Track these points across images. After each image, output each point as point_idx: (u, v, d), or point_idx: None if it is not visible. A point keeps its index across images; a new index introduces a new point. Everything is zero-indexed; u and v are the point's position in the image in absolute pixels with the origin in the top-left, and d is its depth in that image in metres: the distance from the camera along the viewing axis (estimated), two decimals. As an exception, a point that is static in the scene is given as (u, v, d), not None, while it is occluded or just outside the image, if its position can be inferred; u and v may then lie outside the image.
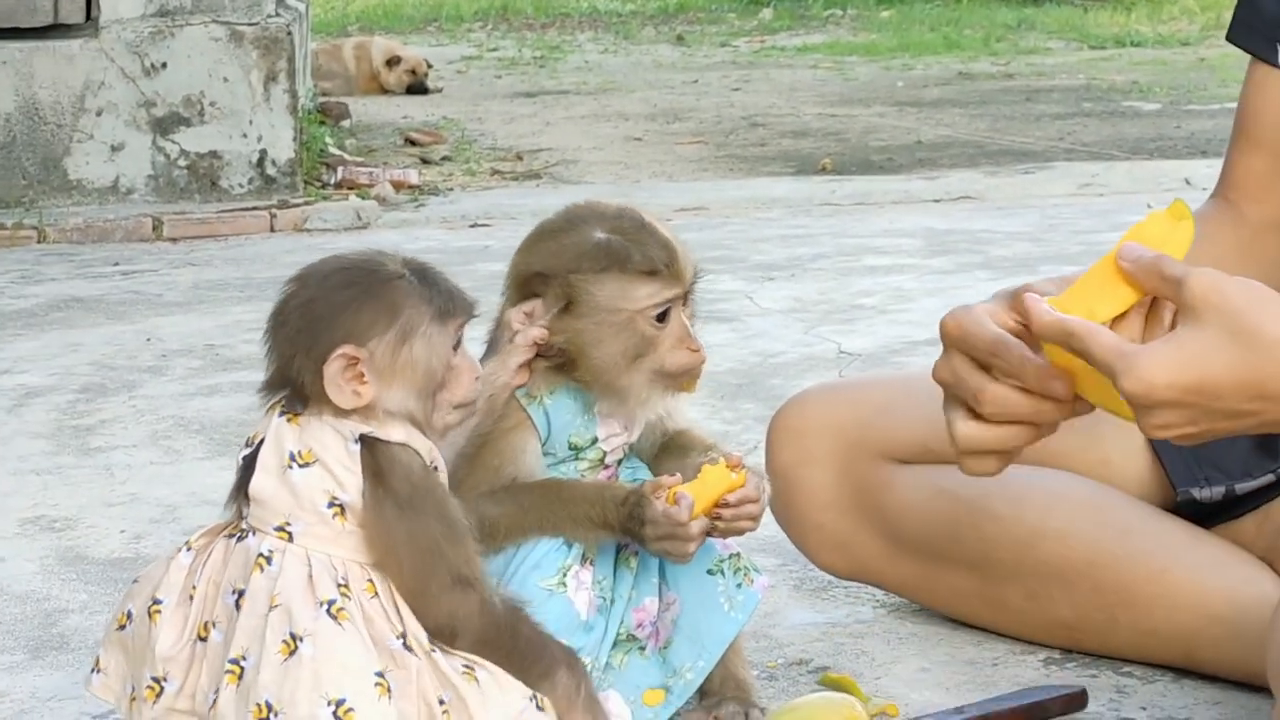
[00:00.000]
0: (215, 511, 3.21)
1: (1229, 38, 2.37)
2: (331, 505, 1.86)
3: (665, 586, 2.24)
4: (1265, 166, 2.35)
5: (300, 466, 1.88)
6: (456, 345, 1.94)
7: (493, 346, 2.19)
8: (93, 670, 1.96)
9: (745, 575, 2.24)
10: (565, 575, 2.17)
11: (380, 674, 1.82)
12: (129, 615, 1.93)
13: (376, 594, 1.86)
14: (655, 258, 2.15)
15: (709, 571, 2.23)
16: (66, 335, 4.79)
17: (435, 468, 1.92)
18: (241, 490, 1.91)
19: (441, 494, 1.90)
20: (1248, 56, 2.37)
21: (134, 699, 1.92)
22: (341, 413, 1.89)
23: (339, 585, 1.84)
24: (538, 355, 2.16)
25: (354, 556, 1.86)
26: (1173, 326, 1.78)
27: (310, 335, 1.89)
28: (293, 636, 1.81)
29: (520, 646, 1.91)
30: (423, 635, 1.86)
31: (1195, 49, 12.30)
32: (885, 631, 2.60)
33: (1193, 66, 11.25)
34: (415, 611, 1.86)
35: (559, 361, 2.16)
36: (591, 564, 2.19)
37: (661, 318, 2.15)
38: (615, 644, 2.22)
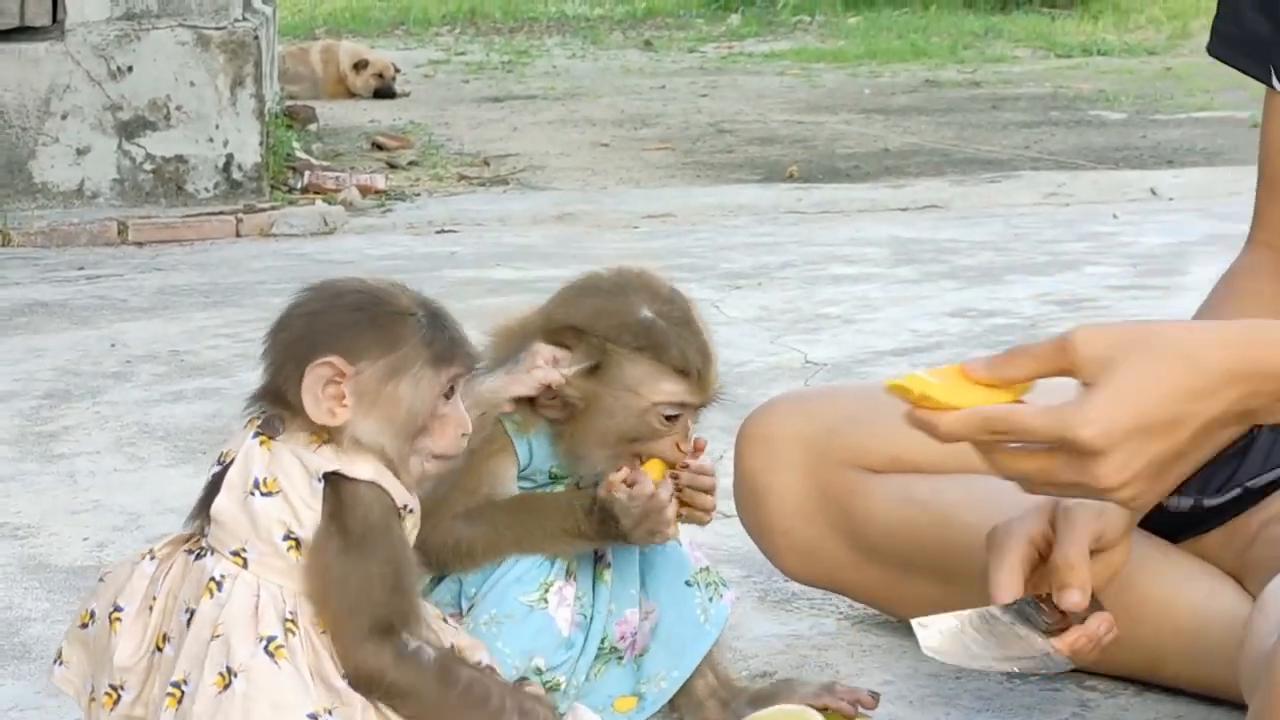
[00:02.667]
0: (179, 520, 3.19)
1: (1211, 52, 2.36)
2: (287, 539, 1.87)
3: (644, 596, 2.24)
4: None
5: (263, 495, 1.88)
6: (449, 394, 1.93)
7: (501, 363, 2.17)
8: (55, 661, 1.97)
9: (715, 589, 2.25)
10: (547, 591, 2.17)
11: (313, 716, 1.82)
12: (92, 615, 1.94)
13: (326, 629, 1.86)
14: (691, 360, 2.14)
15: (687, 583, 2.24)
16: (30, 340, 4.77)
17: (409, 509, 1.92)
18: (206, 507, 1.91)
19: (396, 540, 1.89)
20: (1215, 65, 2.36)
21: (93, 700, 1.93)
22: (313, 438, 1.88)
23: (286, 619, 1.84)
24: (537, 398, 2.14)
25: (304, 590, 1.87)
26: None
27: (305, 344, 1.89)
28: (229, 670, 1.82)
29: (453, 701, 1.89)
30: None
31: (1162, 58, 12.33)
32: (849, 644, 2.60)
33: (1159, 76, 11.27)
34: (341, 660, 1.85)
35: (553, 412, 2.15)
36: (574, 580, 2.19)
37: (672, 418, 2.15)
38: (596, 656, 2.23)
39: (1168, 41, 13.32)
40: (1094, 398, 1.80)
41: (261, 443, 1.90)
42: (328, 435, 1.89)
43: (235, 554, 1.87)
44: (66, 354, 4.59)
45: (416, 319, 1.92)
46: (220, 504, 1.89)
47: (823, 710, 2.23)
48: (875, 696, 2.28)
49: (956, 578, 2.42)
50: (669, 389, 2.14)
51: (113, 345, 4.68)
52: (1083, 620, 2.12)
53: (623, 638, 2.23)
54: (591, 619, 2.21)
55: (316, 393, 1.87)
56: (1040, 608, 2.13)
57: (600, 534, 2.16)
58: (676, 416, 2.16)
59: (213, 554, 1.89)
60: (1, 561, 3.05)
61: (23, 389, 4.24)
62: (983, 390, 1.87)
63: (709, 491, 2.21)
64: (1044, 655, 2.10)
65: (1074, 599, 2.10)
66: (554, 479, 2.21)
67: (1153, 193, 6.98)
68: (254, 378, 4.39)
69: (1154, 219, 6.39)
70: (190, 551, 1.91)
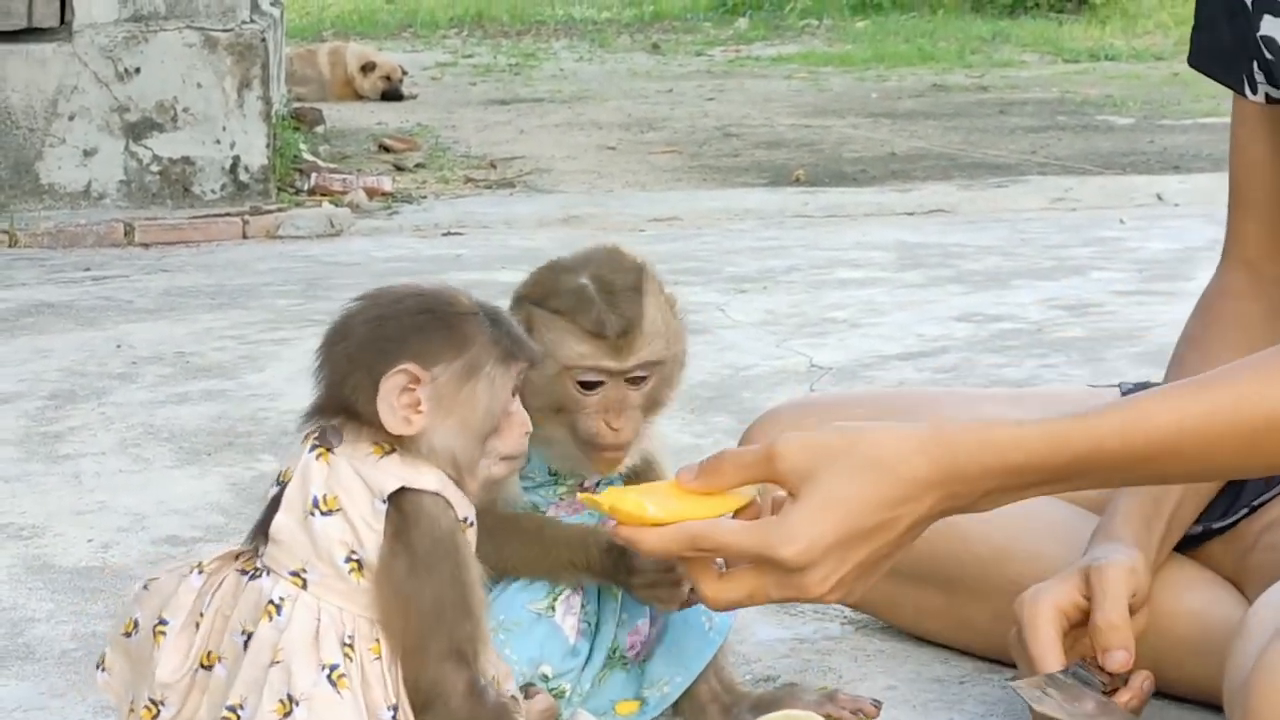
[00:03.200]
0: (184, 521, 3.24)
1: (1192, 64, 2.37)
2: (349, 560, 1.84)
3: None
4: (1262, 222, 2.35)
5: (323, 514, 1.84)
6: (515, 392, 1.91)
7: None
8: (99, 667, 1.95)
9: None
10: (555, 600, 2.16)
11: None
12: (135, 624, 1.91)
13: (380, 656, 1.84)
14: (608, 324, 2.09)
15: (692, 589, 2.24)
16: (36, 341, 4.77)
17: (469, 522, 1.89)
18: (263, 527, 1.88)
19: (462, 557, 1.86)
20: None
21: (132, 711, 1.92)
22: (375, 448, 1.86)
23: (344, 644, 1.82)
24: None
25: (365, 613, 1.84)
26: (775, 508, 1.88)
27: (375, 351, 1.86)
28: (290, 698, 1.80)
29: None
30: (410, 714, 1.84)
31: (1169, 63, 12.33)
32: (852, 648, 2.60)
33: (1166, 81, 11.27)
34: (406, 670, 1.83)
35: None
36: (581, 589, 2.18)
37: (590, 386, 2.11)
38: (604, 664, 2.22)
39: (1175, 47, 13.31)
40: (796, 513, 1.84)
41: (319, 456, 1.87)
42: (391, 444, 1.86)
43: (295, 575, 1.84)
44: (72, 355, 4.60)
45: (480, 318, 1.89)
46: (280, 522, 1.85)
47: (825, 719, 2.23)
48: (878, 705, 2.28)
49: (960, 587, 2.42)
50: (580, 350, 2.09)
51: (118, 346, 4.69)
52: (1126, 680, 2.15)
53: (632, 646, 2.23)
54: (598, 628, 2.21)
55: (392, 401, 1.84)
56: (1094, 669, 2.15)
57: (607, 575, 2.14)
58: (596, 385, 2.11)
59: (269, 574, 1.85)
60: (6, 562, 3.05)
61: (29, 390, 4.24)
62: (695, 501, 1.89)
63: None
64: (1119, 714, 2.13)
65: (1120, 659, 2.15)
66: (554, 477, 2.20)
67: (1159, 198, 6.98)
68: (259, 379, 4.41)
69: (1160, 224, 6.40)
70: (244, 571, 1.88)
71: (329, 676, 1.80)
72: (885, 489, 1.85)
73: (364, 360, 1.86)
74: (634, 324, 2.10)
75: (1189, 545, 2.39)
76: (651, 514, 1.87)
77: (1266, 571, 2.20)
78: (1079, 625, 2.18)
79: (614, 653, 2.22)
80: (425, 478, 1.86)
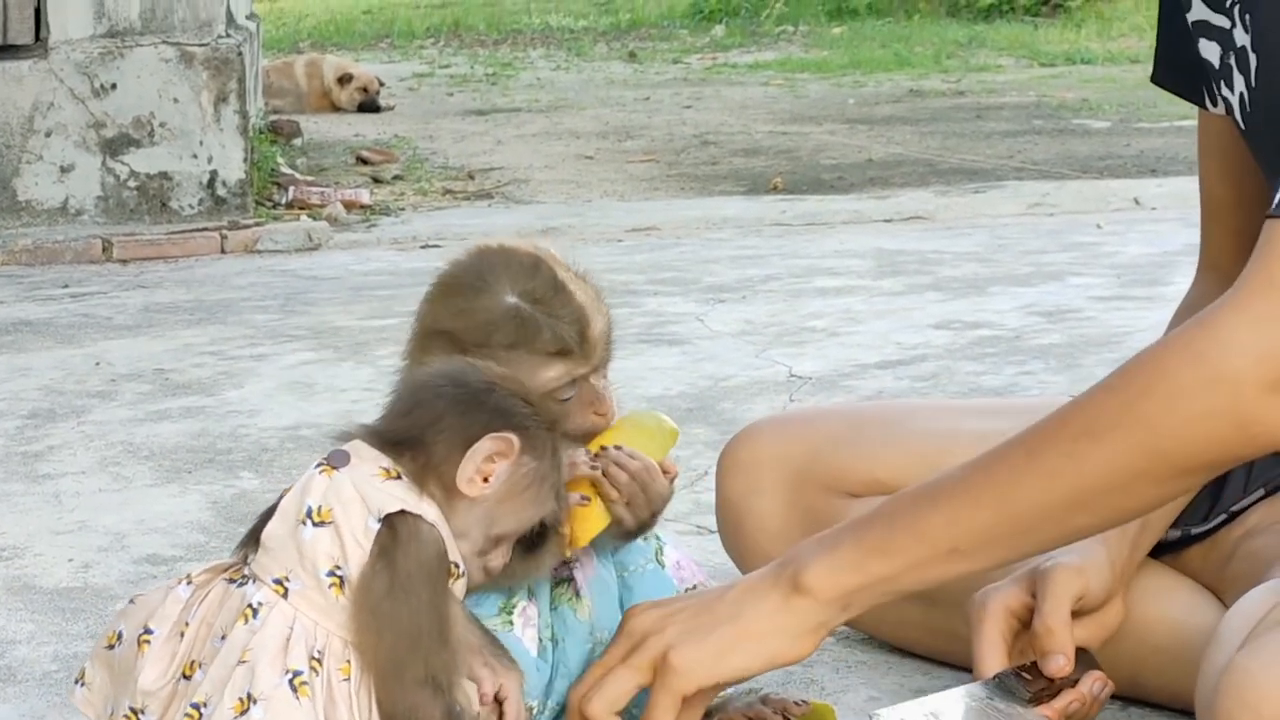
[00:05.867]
0: (165, 540, 3.23)
1: (1155, 81, 2.38)
2: (331, 574, 1.84)
3: None
4: (1232, 230, 2.37)
5: (314, 525, 1.85)
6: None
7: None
8: (77, 682, 1.95)
9: None
10: (512, 613, 2.16)
11: None
12: (119, 636, 1.91)
13: (349, 678, 1.83)
14: (566, 336, 2.07)
15: None
16: (14, 359, 4.77)
17: (460, 570, 1.90)
18: (255, 535, 1.89)
19: (444, 588, 1.87)
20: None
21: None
22: (388, 471, 1.87)
23: (313, 657, 1.82)
24: None
25: (339, 631, 1.84)
26: None
27: (486, 410, 1.89)
28: (249, 696, 1.80)
29: None
30: None
31: (1145, 66, 12.32)
32: (834, 660, 2.60)
33: (1142, 84, 11.28)
34: (380, 695, 1.83)
35: None
36: (534, 599, 2.18)
37: (569, 388, 2.10)
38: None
39: (1150, 50, 13.29)
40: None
41: (323, 471, 1.88)
42: (399, 472, 1.87)
43: (277, 582, 1.85)
44: (51, 373, 4.59)
45: (560, 443, 1.97)
46: (271, 529, 1.87)
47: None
48: (801, 705, 2.27)
49: (939, 600, 2.42)
50: (552, 374, 2.07)
51: (97, 364, 4.68)
52: (1074, 682, 2.14)
53: None
54: (555, 642, 2.20)
55: (478, 460, 1.87)
56: (1023, 677, 2.14)
57: None
58: (573, 386, 2.10)
59: (254, 581, 1.86)
60: (-14, 584, 3.05)
61: (7, 408, 4.24)
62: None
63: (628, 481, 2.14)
64: None
65: (1058, 664, 2.14)
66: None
67: (1136, 202, 6.99)
68: (239, 395, 4.39)
69: (1138, 229, 6.41)
70: (231, 580, 1.88)
71: (290, 681, 1.81)
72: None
73: (472, 413, 1.89)
74: (587, 323, 2.09)
75: (1169, 552, 2.39)
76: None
77: (1245, 580, 2.20)
78: (1030, 626, 2.18)
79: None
80: (426, 507, 1.87)
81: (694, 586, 2.25)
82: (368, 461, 1.88)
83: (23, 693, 2.56)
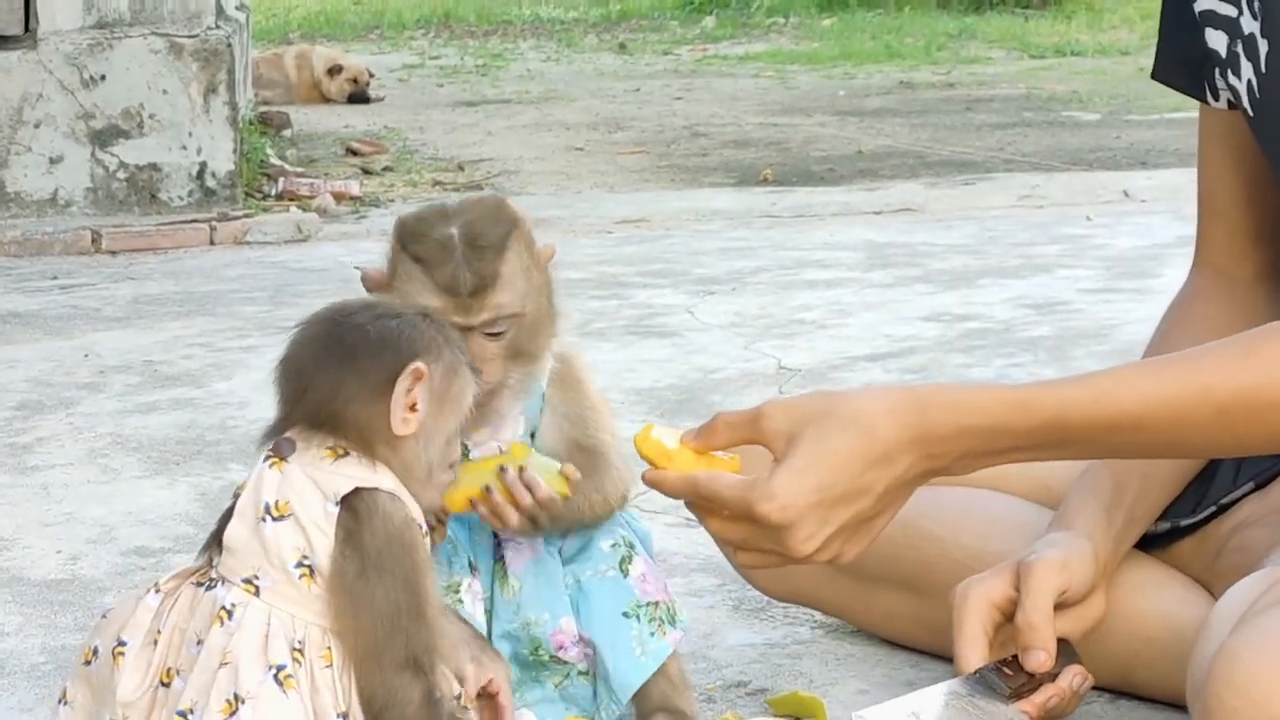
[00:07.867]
0: (152, 532, 3.23)
1: (1155, 77, 2.38)
2: (300, 565, 1.84)
3: (579, 625, 2.23)
4: (1230, 226, 2.37)
5: (274, 519, 1.85)
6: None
7: None
8: (60, 701, 1.94)
9: (660, 626, 2.23)
10: (460, 590, 2.16)
11: None
12: (95, 651, 1.91)
13: (331, 664, 1.83)
14: (460, 281, 2.11)
15: (624, 614, 2.22)
16: (3, 351, 4.76)
17: (424, 530, 1.90)
18: (217, 538, 1.89)
19: (416, 560, 1.86)
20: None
21: None
22: (329, 451, 1.86)
23: (294, 648, 1.82)
24: None
25: (317, 620, 1.84)
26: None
27: (374, 356, 1.87)
28: (236, 697, 1.80)
29: None
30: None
31: (1135, 58, 12.36)
32: (823, 652, 2.60)
33: (1132, 76, 11.29)
34: (360, 679, 1.83)
35: None
36: (477, 572, 2.19)
37: None
38: (545, 666, 2.22)
39: (1140, 41, 13.35)
40: (776, 474, 1.94)
41: (272, 465, 1.87)
42: (345, 449, 1.87)
43: (247, 582, 1.84)
44: (40, 365, 4.59)
45: (439, 321, 1.94)
46: (232, 531, 1.86)
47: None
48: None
49: (928, 591, 2.43)
50: (431, 304, 2.08)
51: (86, 355, 4.67)
52: (1054, 677, 2.14)
53: (561, 647, 2.22)
54: (491, 612, 2.21)
55: (402, 402, 1.86)
56: (1004, 672, 2.14)
57: None
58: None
59: (223, 583, 1.86)
60: (-25, 576, 3.04)
61: (-4, 400, 4.24)
62: (700, 456, 2.02)
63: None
64: None
65: (1038, 660, 2.15)
66: None
67: (1126, 194, 6.99)
68: (227, 387, 4.38)
69: (1127, 221, 6.41)
70: (199, 584, 1.88)
71: (275, 677, 1.81)
72: (859, 450, 1.94)
73: (361, 367, 1.87)
74: (488, 282, 2.12)
75: (1159, 545, 2.39)
76: (667, 462, 2.01)
77: (1236, 573, 2.20)
78: (1013, 618, 2.18)
79: (535, 649, 2.22)
80: (381, 478, 1.87)
81: (655, 603, 2.24)
82: (314, 445, 1.88)
83: (11, 685, 2.56)
